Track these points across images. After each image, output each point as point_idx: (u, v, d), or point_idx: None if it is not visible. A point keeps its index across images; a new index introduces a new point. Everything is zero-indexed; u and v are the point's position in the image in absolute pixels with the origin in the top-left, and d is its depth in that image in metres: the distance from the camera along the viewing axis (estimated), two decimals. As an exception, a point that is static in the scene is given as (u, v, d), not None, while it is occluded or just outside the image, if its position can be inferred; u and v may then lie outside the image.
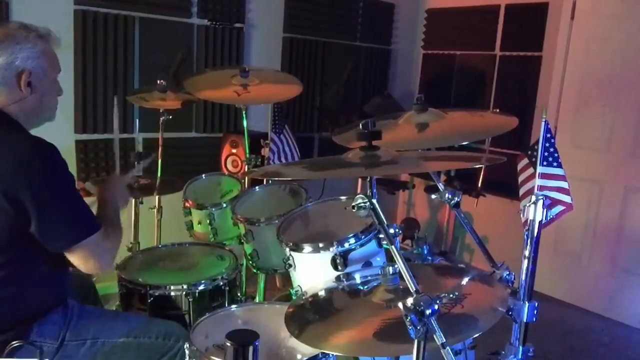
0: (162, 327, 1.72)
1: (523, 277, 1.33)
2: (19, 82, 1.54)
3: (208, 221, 2.45)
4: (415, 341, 1.10)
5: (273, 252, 2.06)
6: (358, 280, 1.55)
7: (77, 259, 1.56)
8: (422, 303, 1.08)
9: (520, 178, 2.24)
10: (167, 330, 1.71)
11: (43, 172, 1.49)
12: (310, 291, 1.60)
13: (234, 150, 3.46)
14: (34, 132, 1.61)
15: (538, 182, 1.95)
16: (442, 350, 1.11)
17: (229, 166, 3.49)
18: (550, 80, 3.81)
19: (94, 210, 1.66)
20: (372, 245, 1.63)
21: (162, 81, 2.77)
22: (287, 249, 1.72)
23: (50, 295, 1.62)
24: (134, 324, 1.70)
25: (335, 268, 1.59)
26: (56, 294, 1.65)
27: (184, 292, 1.94)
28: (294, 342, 1.46)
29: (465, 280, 1.48)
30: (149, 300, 1.91)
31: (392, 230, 1.30)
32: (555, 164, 1.99)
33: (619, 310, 3.54)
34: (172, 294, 1.95)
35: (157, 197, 2.82)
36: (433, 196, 1.78)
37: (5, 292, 1.52)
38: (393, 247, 1.23)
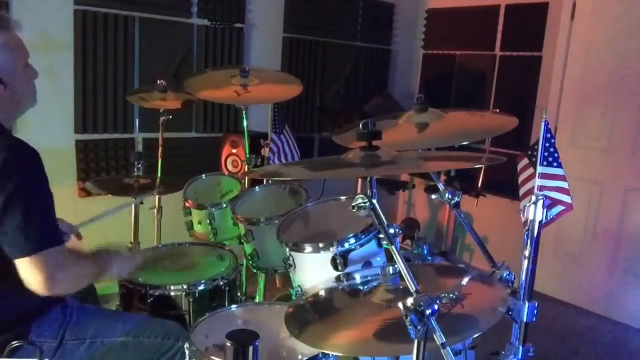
0: (161, 327, 1.72)
1: (523, 277, 1.33)
2: None
3: (208, 221, 2.45)
4: (415, 341, 1.10)
5: (273, 252, 2.06)
6: (358, 280, 1.55)
7: (24, 271, 1.45)
8: (422, 303, 1.08)
9: (520, 178, 2.24)
10: (167, 329, 1.71)
11: (20, 176, 1.44)
12: (311, 291, 1.60)
13: (234, 150, 3.46)
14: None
15: (538, 182, 1.95)
16: (442, 350, 1.11)
17: (229, 166, 3.49)
18: (550, 80, 3.81)
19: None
20: (372, 245, 1.63)
21: (162, 81, 2.77)
22: (287, 249, 1.72)
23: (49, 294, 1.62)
24: (133, 323, 1.70)
25: (335, 268, 1.59)
26: (54, 293, 1.64)
27: (184, 292, 1.94)
28: (294, 342, 1.46)
29: (465, 280, 1.48)
30: (149, 300, 1.91)
31: (392, 230, 1.30)
32: (555, 164, 1.99)
33: (619, 310, 3.54)
34: (172, 294, 1.95)
35: (157, 197, 2.82)
36: (433, 196, 1.78)
37: (3, 292, 1.52)
38: (393, 247, 1.23)
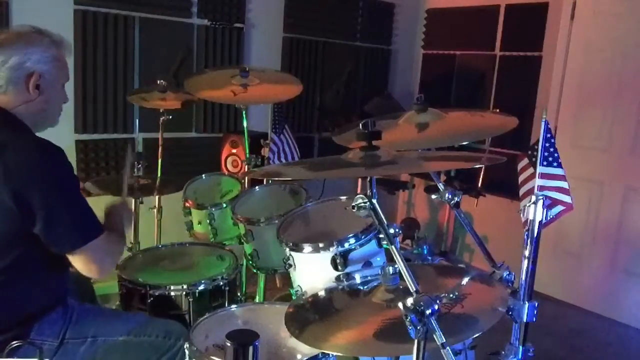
0: (162, 326, 1.72)
1: (523, 277, 1.33)
2: (27, 83, 1.55)
3: (208, 221, 2.45)
4: (415, 341, 1.10)
5: (273, 252, 2.06)
6: (358, 281, 1.55)
7: (79, 262, 1.55)
8: (422, 303, 1.08)
9: (520, 178, 2.24)
10: (167, 328, 1.71)
11: (52, 174, 1.50)
12: (310, 291, 1.60)
13: (234, 150, 3.46)
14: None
15: (538, 182, 1.95)
16: (442, 350, 1.11)
17: (229, 166, 3.49)
18: (550, 80, 3.81)
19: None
20: (372, 245, 1.63)
21: (162, 81, 2.78)
22: (287, 249, 1.72)
23: (50, 295, 1.63)
24: (134, 323, 1.71)
25: (335, 268, 1.59)
26: (56, 294, 1.65)
27: (184, 292, 1.94)
28: (294, 342, 1.46)
29: (465, 280, 1.48)
30: (149, 300, 1.92)
31: (392, 230, 1.30)
32: (555, 164, 1.99)
33: (619, 310, 3.54)
34: (172, 294, 1.95)
35: (157, 197, 2.82)
36: (433, 196, 1.78)
37: (5, 292, 1.52)
38: (393, 247, 1.23)
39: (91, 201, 1.67)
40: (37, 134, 1.61)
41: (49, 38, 1.59)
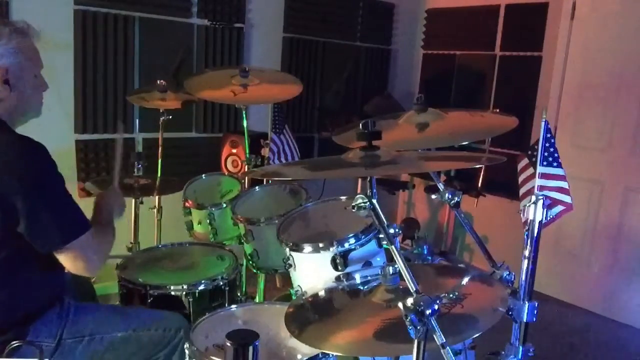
0: (160, 319, 1.72)
1: (523, 277, 1.33)
2: None
3: (208, 221, 2.45)
4: (415, 341, 1.10)
5: (273, 252, 2.06)
6: (358, 281, 1.55)
7: (66, 260, 1.53)
8: (422, 303, 1.08)
9: (520, 178, 2.24)
10: (167, 321, 1.71)
11: (33, 172, 1.47)
12: (310, 291, 1.60)
13: (234, 150, 3.46)
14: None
15: (538, 182, 1.95)
16: (442, 350, 1.11)
17: (229, 166, 3.49)
18: (550, 80, 3.81)
19: (88, 212, 1.65)
20: (372, 245, 1.63)
21: (162, 81, 2.78)
22: (287, 249, 1.72)
23: (46, 295, 1.62)
24: (133, 318, 1.70)
25: (335, 268, 1.59)
26: (51, 293, 1.64)
27: (184, 292, 1.94)
28: (294, 342, 1.46)
29: (465, 280, 1.48)
30: (149, 301, 1.91)
31: (392, 230, 1.30)
32: (555, 164, 1.99)
33: (619, 310, 3.54)
34: (172, 294, 1.95)
35: (157, 197, 2.82)
36: (433, 196, 1.78)
37: (3, 293, 1.52)
38: (393, 247, 1.23)
39: (91, 201, 1.67)
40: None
41: (10, 27, 1.52)
